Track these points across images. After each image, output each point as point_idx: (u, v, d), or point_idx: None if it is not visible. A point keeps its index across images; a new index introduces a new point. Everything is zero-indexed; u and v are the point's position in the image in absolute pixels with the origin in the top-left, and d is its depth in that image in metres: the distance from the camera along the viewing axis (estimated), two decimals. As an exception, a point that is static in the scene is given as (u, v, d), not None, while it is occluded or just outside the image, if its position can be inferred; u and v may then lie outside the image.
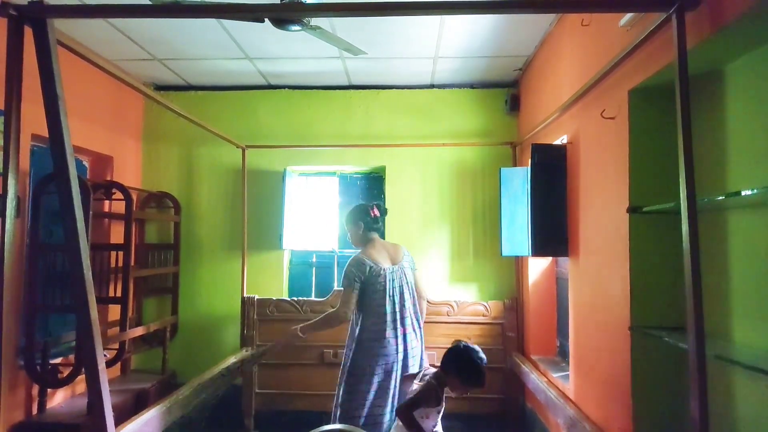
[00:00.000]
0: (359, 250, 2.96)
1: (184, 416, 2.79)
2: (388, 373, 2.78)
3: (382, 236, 3.14)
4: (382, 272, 2.85)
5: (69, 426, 3.02)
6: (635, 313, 2.07)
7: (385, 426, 2.76)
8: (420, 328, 2.98)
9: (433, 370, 2.59)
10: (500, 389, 3.89)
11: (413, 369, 2.84)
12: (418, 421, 2.35)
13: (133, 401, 3.58)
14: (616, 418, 2.23)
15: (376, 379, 2.77)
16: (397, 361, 2.81)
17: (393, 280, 2.87)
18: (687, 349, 1.55)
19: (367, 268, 2.82)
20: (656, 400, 2.06)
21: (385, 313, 2.81)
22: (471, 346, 2.44)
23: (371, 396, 2.76)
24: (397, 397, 2.80)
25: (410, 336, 2.88)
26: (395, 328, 2.82)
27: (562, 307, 3.50)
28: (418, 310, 3.00)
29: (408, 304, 2.90)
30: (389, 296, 2.84)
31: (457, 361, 2.41)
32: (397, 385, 2.80)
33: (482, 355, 2.41)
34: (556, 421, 2.88)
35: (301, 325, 2.94)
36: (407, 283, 2.94)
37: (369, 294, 2.82)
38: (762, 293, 1.60)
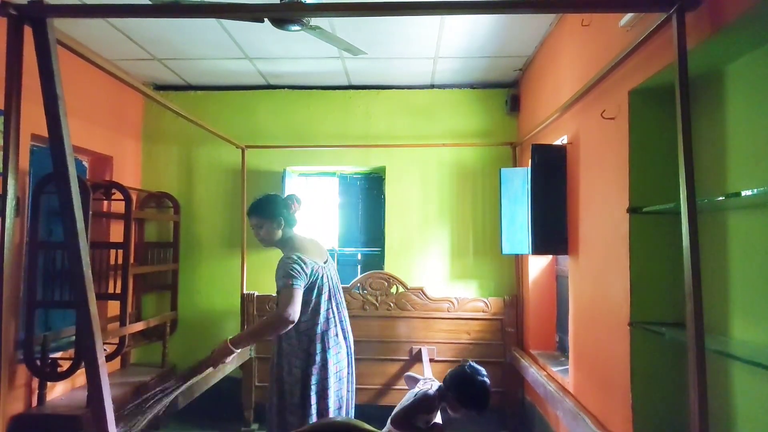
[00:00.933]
0: (286, 249, 2.57)
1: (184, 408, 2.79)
2: (342, 380, 2.58)
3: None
4: (320, 270, 2.53)
5: (68, 418, 3.04)
6: (635, 309, 2.08)
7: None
8: (347, 316, 2.71)
9: (436, 382, 2.44)
10: (500, 383, 3.91)
11: (354, 372, 2.67)
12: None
13: (132, 394, 3.59)
14: (615, 412, 2.24)
15: (336, 393, 2.53)
16: (350, 364, 2.64)
17: (330, 278, 2.60)
18: (686, 343, 1.55)
19: (310, 268, 2.47)
20: (655, 395, 2.07)
21: (330, 314, 2.55)
22: (477, 369, 2.21)
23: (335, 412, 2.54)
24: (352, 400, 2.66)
25: (349, 333, 2.67)
26: (344, 329, 2.62)
27: (562, 303, 3.51)
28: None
29: (341, 298, 2.66)
30: (332, 295, 2.57)
31: (461, 385, 2.18)
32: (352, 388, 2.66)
33: (487, 380, 2.19)
34: (556, 414, 2.89)
35: (231, 336, 2.41)
36: (335, 274, 2.69)
37: (314, 295, 2.51)
38: (761, 291, 1.61)
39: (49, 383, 3.23)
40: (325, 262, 2.63)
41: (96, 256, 3.49)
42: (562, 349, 3.53)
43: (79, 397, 3.32)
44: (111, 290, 3.65)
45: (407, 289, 4.02)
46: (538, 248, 3.03)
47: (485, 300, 4.01)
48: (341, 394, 2.61)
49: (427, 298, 4.00)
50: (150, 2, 2.30)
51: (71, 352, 3.29)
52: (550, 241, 2.99)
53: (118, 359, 3.96)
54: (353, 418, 2.52)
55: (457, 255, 4.27)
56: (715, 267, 1.81)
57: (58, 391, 3.40)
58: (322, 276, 2.56)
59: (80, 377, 3.52)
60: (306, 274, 2.44)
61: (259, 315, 4.06)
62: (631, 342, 2.08)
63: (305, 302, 2.46)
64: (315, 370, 2.49)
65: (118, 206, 3.72)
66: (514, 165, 4.02)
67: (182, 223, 4.36)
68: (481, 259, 4.24)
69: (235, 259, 4.26)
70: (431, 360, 3.83)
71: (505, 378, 3.91)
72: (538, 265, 3.78)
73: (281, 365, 2.55)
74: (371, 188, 4.60)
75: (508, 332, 3.95)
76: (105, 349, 3.15)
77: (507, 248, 3.44)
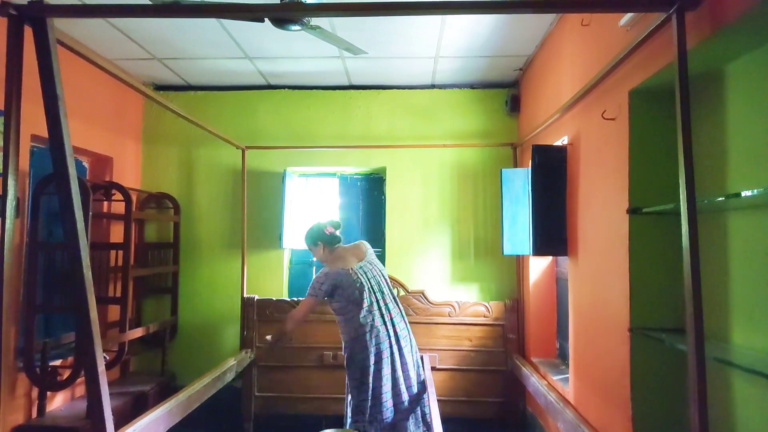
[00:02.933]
0: (326, 265, 3.11)
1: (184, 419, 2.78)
2: (386, 360, 2.91)
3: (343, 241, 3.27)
4: (350, 271, 2.98)
5: (68, 429, 3.02)
6: (635, 314, 2.07)
7: (405, 405, 2.93)
8: (402, 310, 3.13)
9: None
10: (501, 392, 3.88)
11: (407, 350, 2.99)
12: None
13: (132, 404, 3.57)
14: (615, 421, 2.23)
15: (376, 369, 2.90)
16: (392, 345, 2.95)
17: (365, 273, 3.01)
18: (686, 350, 1.54)
19: (336, 277, 2.95)
20: (655, 402, 2.06)
21: (370, 304, 2.94)
22: None
23: (381, 386, 2.89)
24: (406, 379, 2.97)
25: (397, 319, 3.02)
26: (382, 316, 2.96)
27: (562, 307, 3.50)
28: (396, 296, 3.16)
29: (386, 290, 3.06)
30: (367, 289, 2.96)
31: None
32: (401, 367, 2.95)
33: None
34: (556, 426, 2.87)
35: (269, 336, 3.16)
36: (380, 272, 3.10)
37: (348, 296, 2.93)
38: (762, 295, 1.60)
39: (48, 393, 3.20)
40: (361, 263, 3.05)
41: (96, 257, 3.47)
42: (563, 356, 3.51)
43: (79, 407, 3.31)
44: (111, 293, 3.63)
45: (408, 292, 4.00)
46: (539, 249, 3.03)
47: (486, 304, 3.98)
48: (399, 390, 2.92)
49: (428, 302, 3.97)
50: (150, 2, 2.29)
51: (71, 359, 3.27)
52: (551, 242, 2.98)
53: (117, 367, 3.95)
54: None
55: (458, 256, 4.26)
56: (715, 269, 1.81)
57: (58, 402, 3.38)
58: (357, 277, 2.96)
59: (80, 387, 3.50)
60: (330, 288, 2.94)
61: (259, 320, 4.02)
62: (631, 349, 2.07)
63: (342, 308, 2.96)
64: (350, 369, 2.98)
65: (118, 207, 3.72)
66: (515, 165, 4.02)
67: (182, 224, 4.36)
68: (482, 260, 4.24)
69: (235, 260, 4.25)
70: (433, 368, 3.78)
71: (506, 387, 3.87)
72: (538, 267, 3.77)
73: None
74: (372, 189, 4.60)
75: (510, 339, 3.91)
76: (105, 357, 3.14)
77: (508, 249, 3.44)
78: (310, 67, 3.99)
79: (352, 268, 2.99)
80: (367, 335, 2.90)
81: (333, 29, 3.19)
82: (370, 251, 3.19)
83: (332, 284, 2.93)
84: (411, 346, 3.05)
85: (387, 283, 3.11)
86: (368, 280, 2.99)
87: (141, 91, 2.58)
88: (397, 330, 2.99)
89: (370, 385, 2.87)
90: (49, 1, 1.70)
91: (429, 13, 2.74)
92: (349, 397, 3.00)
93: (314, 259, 3.28)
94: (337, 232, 3.19)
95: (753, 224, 1.66)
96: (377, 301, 2.97)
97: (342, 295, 2.93)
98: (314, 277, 3.04)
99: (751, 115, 1.68)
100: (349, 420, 2.96)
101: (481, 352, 3.92)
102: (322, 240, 3.13)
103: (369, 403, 2.87)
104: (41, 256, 3.18)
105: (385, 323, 2.95)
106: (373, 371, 2.88)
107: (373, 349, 2.89)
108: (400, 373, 2.94)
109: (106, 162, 3.99)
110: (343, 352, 3.03)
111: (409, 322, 3.91)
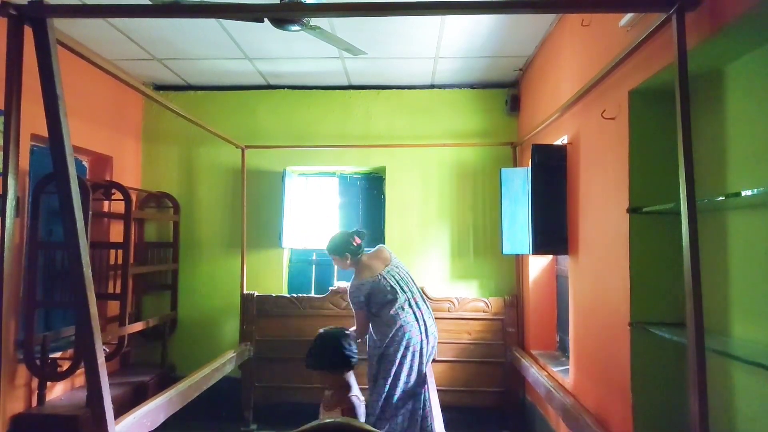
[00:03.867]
0: (354, 275, 3.18)
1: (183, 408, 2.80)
2: (415, 354, 3.00)
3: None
4: (379, 277, 3.07)
5: (68, 418, 3.04)
6: (635, 309, 2.08)
7: (422, 399, 3.02)
8: (429, 308, 3.20)
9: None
10: (500, 383, 3.92)
11: (433, 344, 3.09)
12: None
13: (132, 394, 3.59)
14: (615, 412, 2.24)
15: (407, 362, 2.99)
16: (423, 339, 3.03)
17: (393, 276, 3.11)
18: (686, 344, 1.55)
19: (368, 287, 3.05)
20: (655, 395, 2.07)
21: (402, 303, 3.04)
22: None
23: (404, 377, 2.99)
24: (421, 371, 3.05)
25: (426, 315, 3.11)
26: (413, 312, 3.06)
27: (562, 303, 3.51)
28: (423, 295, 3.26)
29: (414, 289, 3.16)
30: (399, 289, 3.06)
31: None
32: (425, 361, 3.05)
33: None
34: (556, 414, 2.89)
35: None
36: (407, 274, 3.20)
37: (380, 301, 3.04)
38: (761, 290, 1.61)
39: (48, 383, 3.22)
40: (388, 267, 3.14)
41: (96, 256, 3.48)
42: (563, 349, 3.53)
43: (79, 397, 3.33)
44: (111, 290, 3.65)
45: (408, 289, 4.02)
46: (539, 248, 3.03)
47: (486, 300, 4.01)
48: (408, 385, 3.00)
49: (428, 297, 3.99)
50: (150, 2, 2.29)
51: (71, 352, 3.29)
52: (551, 241, 2.99)
53: (117, 359, 3.96)
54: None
55: (458, 255, 4.27)
56: (715, 267, 1.81)
57: (57, 391, 3.40)
58: (386, 281, 3.06)
59: (80, 377, 3.52)
60: (366, 296, 3.05)
61: (259, 315, 4.06)
62: (631, 342, 2.08)
63: (376, 312, 3.06)
64: (378, 361, 3.07)
65: (118, 206, 3.72)
66: (515, 165, 4.02)
67: (182, 223, 4.36)
68: (482, 258, 4.24)
69: (234, 259, 4.26)
70: (433, 360, 3.82)
71: (505, 378, 3.92)
72: (538, 265, 3.78)
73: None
74: (371, 188, 4.60)
75: (509, 332, 3.96)
76: (105, 350, 3.14)
77: (507, 248, 3.44)
78: (309, 67, 3.99)
79: (380, 274, 3.08)
80: (399, 331, 2.98)
81: (333, 29, 3.19)
82: (393, 255, 3.29)
83: (366, 294, 3.03)
84: (434, 344, 3.14)
85: (414, 284, 3.21)
86: (397, 282, 3.09)
87: (141, 90, 2.58)
88: (427, 325, 3.09)
89: (390, 379, 2.96)
90: (49, 1, 1.70)
91: (429, 14, 2.74)
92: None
93: (336, 266, 3.32)
94: (361, 244, 3.24)
95: (753, 223, 1.66)
96: (408, 300, 3.08)
97: (375, 301, 3.04)
98: (349, 292, 3.14)
99: (751, 115, 1.68)
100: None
101: (480, 344, 3.97)
102: (349, 251, 3.19)
103: (381, 402, 2.97)
104: (41, 254, 3.19)
105: (417, 320, 3.05)
106: (397, 364, 2.97)
107: (403, 344, 2.97)
108: (421, 367, 3.04)
109: (106, 161, 3.99)
110: (370, 357, 3.10)
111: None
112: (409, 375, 3.00)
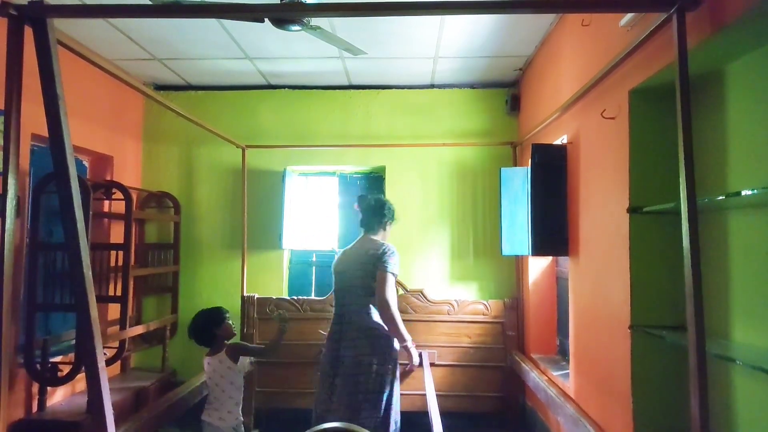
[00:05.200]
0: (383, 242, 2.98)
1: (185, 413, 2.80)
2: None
3: (366, 231, 3.06)
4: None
5: (69, 424, 3.02)
6: (635, 311, 2.07)
7: None
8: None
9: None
10: (500, 388, 3.90)
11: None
12: None
13: (132, 399, 3.58)
14: (616, 417, 2.24)
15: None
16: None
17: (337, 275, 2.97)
18: (687, 347, 1.55)
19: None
20: (656, 399, 2.06)
21: None
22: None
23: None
24: None
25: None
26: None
27: (562, 305, 3.51)
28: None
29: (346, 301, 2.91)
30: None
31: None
32: None
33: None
34: (557, 420, 2.88)
35: (407, 341, 2.85)
36: (354, 284, 2.89)
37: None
38: (762, 293, 1.60)
39: (49, 388, 3.21)
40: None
41: (96, 257, 3.47)
42: (563, 352, 3.52)
43: (80, 402, 3.30)
44: (111, 293, 3.63)
45: (407, 291, 4.00)
46: (539, 249, 3.02)
47: (485, 302, 3.99)
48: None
49: (427, 300, 3.98)
50: (150, 2, 2.29)
51: (71, 356, 3.27)
52: (551, 242, 2.98)
53: (118, 364, 3.95)
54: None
55: (457, 256, 4.27)
56: (716, 267, 1.81)
57: (58, 397, 3.38)
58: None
59: (80, 382, 3.50)
60: (397, 266, 2.94)
61: (259, 318, 4.04)
62: (632, 345, 2.08)
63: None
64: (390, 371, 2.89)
65: (119, 206, 3.72)
66: (515, 165, 4.02)
67: (183, 223, 4.36)
68: (481, 260, 4.24)
69: (235, 260, 4.26)
70: (432, 364, 3.81)
71: (505, 383, 3.89)
72: (538, 267, 3.78)
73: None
74: (371, 188, 4.59)
75: (509, 336, 3.93)
76: (105, 354, 3.14)
77: (507, 249, 3.43)
78: (310, 67, 3.99)
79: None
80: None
81: (333, 29, 3.19)
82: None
83: (398, 258, 2.88)
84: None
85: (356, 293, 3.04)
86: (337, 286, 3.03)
87: (141, 90, 2.58)
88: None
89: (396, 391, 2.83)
90: (49, 1, 1.70)
91: (428, 14, 2.74)
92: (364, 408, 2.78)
93: (373, 236, 2.98)
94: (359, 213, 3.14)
95: (753, 223, 1.66)
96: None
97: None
98: (382, 253, 2.83)
99: (751, 114, 1.68)
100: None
101: (480, 348, 3.94)
102: (392, 220, 3.07)
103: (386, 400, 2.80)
104: (41, 255, 3.18)
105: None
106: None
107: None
108: None
109: (107, 161, 3.99)
110: (380, 355, 2.81)
111: (408, 320, 3.91)
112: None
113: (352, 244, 3.07)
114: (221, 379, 2.72)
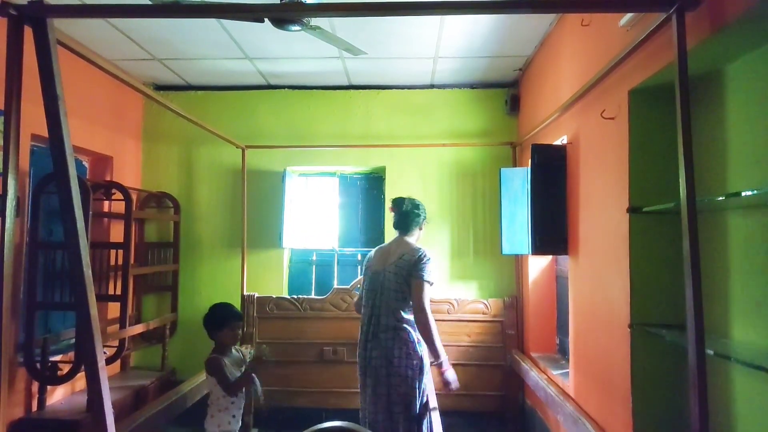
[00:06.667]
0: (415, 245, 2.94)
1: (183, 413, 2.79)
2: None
3: (402, 233, 3.02)
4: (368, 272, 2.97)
5: (69, 423, 3.03)
6: (635, 310, 2.08)
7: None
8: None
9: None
10: (500, 386, 3.91)
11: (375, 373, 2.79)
12: None
13: (132, 398, 3.59)
14: (615, 415, 2.24)
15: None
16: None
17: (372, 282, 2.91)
18: (687, 346, 1.55)
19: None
20: (656, 397, 2.06)
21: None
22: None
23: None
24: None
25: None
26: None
27: (562, 304, 3.51)
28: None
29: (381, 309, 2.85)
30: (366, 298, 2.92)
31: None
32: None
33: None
34: (556, 418, 2.88)
35: (441, 359, 2.79)
36: (387, 287, 2.85)
37: None
38: (761, 292, 1.60)
39: (49, 387, 3.21)
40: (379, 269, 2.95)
41: (96, 256, 3.47)
42: (563, 351, 3.52)
43: (79, 401, 3.31)
44: (111, 291, 3.64)
45: (407, 290, 4.00)
46: (538, 248, 3.02)
47: (485, 301, 4.00)
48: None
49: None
50: (150, 2, 2.29)
51: (71, 355, 3.27)
52: (550, 241, 2.98)
53: (118, 362, 3.95)
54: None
55: (457, 255, 4.27)
56: (716, 267, 1.81)
57: (58, 396, 3.39)
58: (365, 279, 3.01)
59: (80, 381, 3.50)
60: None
61: (259, 317, 4.04)
62: (632, 344, 2.08)
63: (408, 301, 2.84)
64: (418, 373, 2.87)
65: (118, 206, 3.72)
66: (514, 165, 4.02)
67: (182, 223, 4.36)
68: (481, 259, 4.24)
69: (235, 259, 4.26)
70: (431, 363, 3.80)
71: (505, 381, 3.90)
72: (538, 266, 3.78)
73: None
74: (371, 188, 4.60)
75: (509, 334, 3.94)
76: (105, 352, 3.14)
77: (507, 248, 3.44)
78: (310, 67, 3.99)
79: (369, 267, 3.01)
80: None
81: (333, 29, 3.19)
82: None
83: (433, 265, 2.84)
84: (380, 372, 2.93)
85: (388, 300, 3.01)
86: (369, 290, 2.99)
87: (141, 90, 2.58)
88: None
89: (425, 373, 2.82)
90: (49, 1, 1.70)
91: (428, 14, 2.74)
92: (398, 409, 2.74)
93: (408, 238, 2.96)
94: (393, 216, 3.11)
95: (753, 223, 1.66)
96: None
97: None
98: (418, 259, 2.78)
99: (751, 114, 1.68)
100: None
101: (479, 347, 3.95)
102: (426, 219, 3.06)
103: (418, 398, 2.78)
104: (41, 255, 3.18)
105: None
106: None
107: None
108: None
109: (107, 161, 3.99)
110: (410, 368, 2.77)
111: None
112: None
113: (387, 244, 3.05)
114: (214, 388, 2.65)
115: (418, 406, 2.75)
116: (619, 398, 2.18)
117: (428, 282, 2.77)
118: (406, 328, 2.79)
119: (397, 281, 2.80)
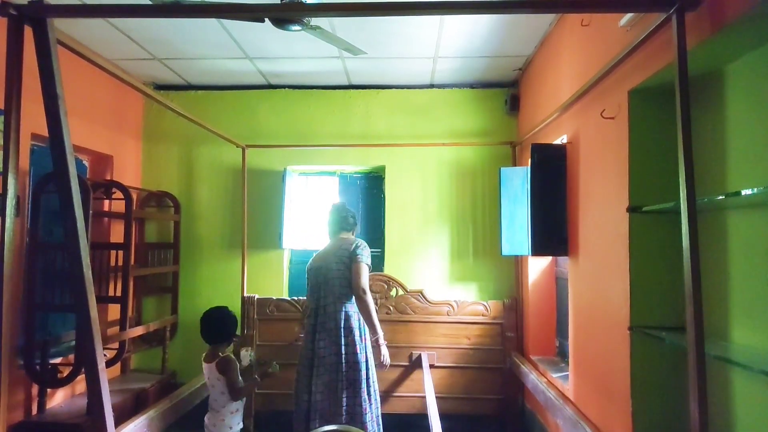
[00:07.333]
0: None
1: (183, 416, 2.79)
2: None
3: (331, 235, 3.23)
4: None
5: (69, 426, 3.02)
6: (635, 313, 2.07)
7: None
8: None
9: None
10: (500, 390, 3.88)
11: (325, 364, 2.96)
12: None
13: (132, 401, 3.57)
14: (615, 419, 2.24)
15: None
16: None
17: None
18: (686, 348, 1.55)
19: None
20: (655, 400, 2.06)
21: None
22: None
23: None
24: None
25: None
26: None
27: (562, 306, 3.50)
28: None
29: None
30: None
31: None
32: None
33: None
34: (556, 422, 2.88)
35: (378, 335, 2.93)
36: (331, 277, 3.03)
37: None
38: (761, 294, 1.60)
39: (49, 390, 3.20)
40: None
41: (96, 257, 3.47)
42: (562, 354, 3.51)
43: (80, 404, 3.30)
44: (111, 293, 3.63)
45: (407, 291, 3.99)
46: (538, 249, 3.02)
47: (485, 303, 3.98)
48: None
49: (427, 301, 3.97)
50: (150, 2, 2.29)
51: (71, 357, 3.26)
52: (550, 242, 2.98)
53: (118, 365, 3.94)
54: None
55: (457, 256, 4.26)
56: (715, 267, 1.81)
57: (58, 399, 3.38)
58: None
59: (80, 384, 3.49)
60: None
61: (259, 319, 4.03)
62: (631, 347, 2.07)
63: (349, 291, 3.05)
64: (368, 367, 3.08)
65: (119, 206, 3.72)
66: (514, 164, 4.02)
67: (183, 222, 4.36)
68: (481, 260, 4.24)
69: (235, 260, 4.25)
70: (431, 366, 3.80)
71: (505, 385, 3.87)
72: (537, 267, 3.77)
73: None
74: (371, 188, 4.60)
75: (508, 337, 3.91)
76: (105, 355, 3.13)
77: (507, 249, 3.43)
78: (310, 67, 3.99)
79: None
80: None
81: (333, 29, 3.19)
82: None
83: (369, 251, 3.07)
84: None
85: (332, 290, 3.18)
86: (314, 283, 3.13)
87: (141, 90, 2.58)
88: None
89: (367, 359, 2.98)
90: (49, 1, 1.70)
91: (428, 13, 2.74)
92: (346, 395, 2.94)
93: (344, 236, 3.18)
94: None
95: (753, 223, 1.66)
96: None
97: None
98: (356, 246, 3.04)
99: (751, 114, 1.68)
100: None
101: (479, 350, 3.92)
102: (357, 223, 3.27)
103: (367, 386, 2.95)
104: (41, 255, 3.18)
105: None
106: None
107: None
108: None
109: (107, 160, 3.99)
110: (356, 352, 2.96)
111: (408, 321, 3.95)
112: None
113: (325, 247, 3.20)
114: (212, 389, 2.69)
115: (364, 388, 2.92)
116: (619, 401, 2.17)
117: (367, 265, 3.00)
118: (351, 315, 2.98)
119: (339, 269, 3.00)
